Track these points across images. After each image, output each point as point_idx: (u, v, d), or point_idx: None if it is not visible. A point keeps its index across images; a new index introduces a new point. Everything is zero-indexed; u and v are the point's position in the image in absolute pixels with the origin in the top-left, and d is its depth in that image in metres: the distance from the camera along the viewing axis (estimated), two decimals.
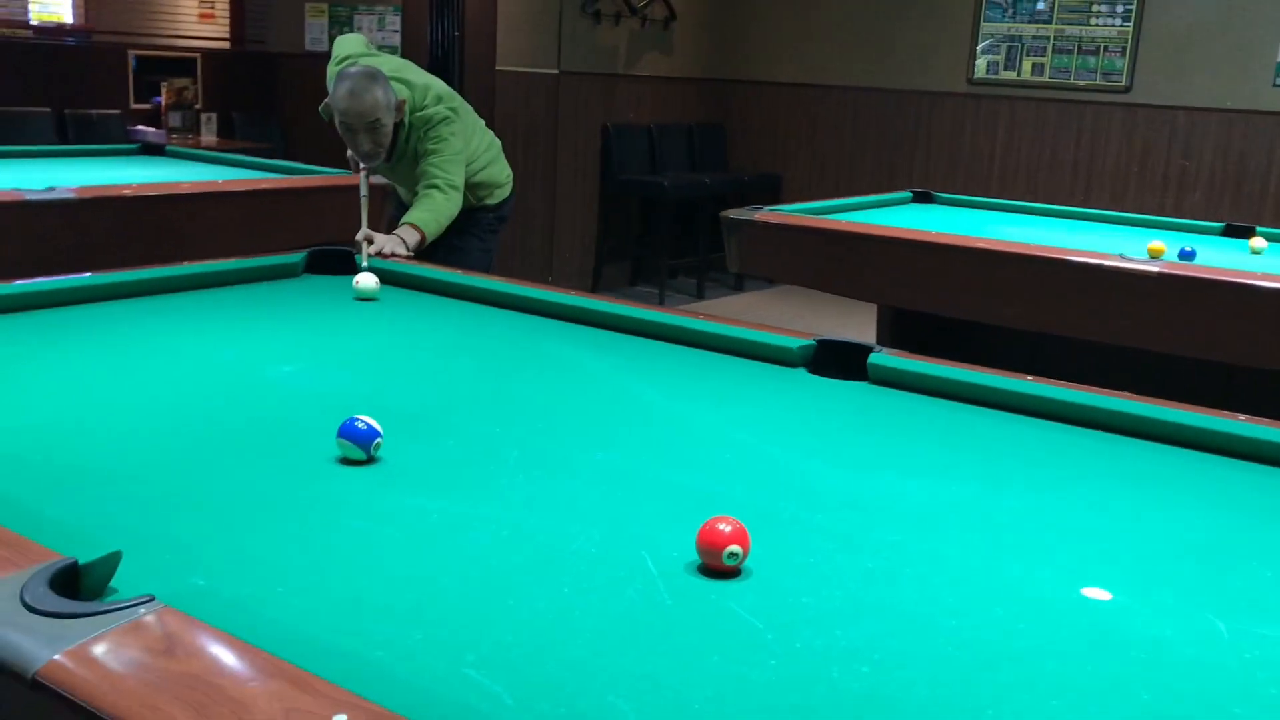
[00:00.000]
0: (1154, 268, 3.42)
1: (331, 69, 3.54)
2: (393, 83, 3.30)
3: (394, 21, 7.49)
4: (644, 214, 7.53)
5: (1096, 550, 1.40)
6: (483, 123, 3.78)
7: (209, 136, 7.44)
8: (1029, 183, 6.99)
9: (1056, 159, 6.93)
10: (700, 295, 7.40)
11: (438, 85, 3.52)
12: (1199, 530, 1.49)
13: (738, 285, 7.69)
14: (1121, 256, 3.51)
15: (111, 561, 1.10)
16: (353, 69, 3.27)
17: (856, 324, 5.04)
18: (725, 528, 1.26)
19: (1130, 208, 6.34)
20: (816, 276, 4.27)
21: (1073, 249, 3.68)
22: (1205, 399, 1.96)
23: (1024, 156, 7.03)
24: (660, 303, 7.09)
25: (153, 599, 1.01)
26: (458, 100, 3.55)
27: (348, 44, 3.66)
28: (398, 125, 3.37)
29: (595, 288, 7.29)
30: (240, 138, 7.58)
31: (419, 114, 3.41)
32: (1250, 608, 1.25)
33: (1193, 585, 1.31)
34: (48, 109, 6.88)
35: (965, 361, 2.12)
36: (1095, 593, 1.28)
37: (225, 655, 0.93)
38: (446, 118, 3.43)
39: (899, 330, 4.62)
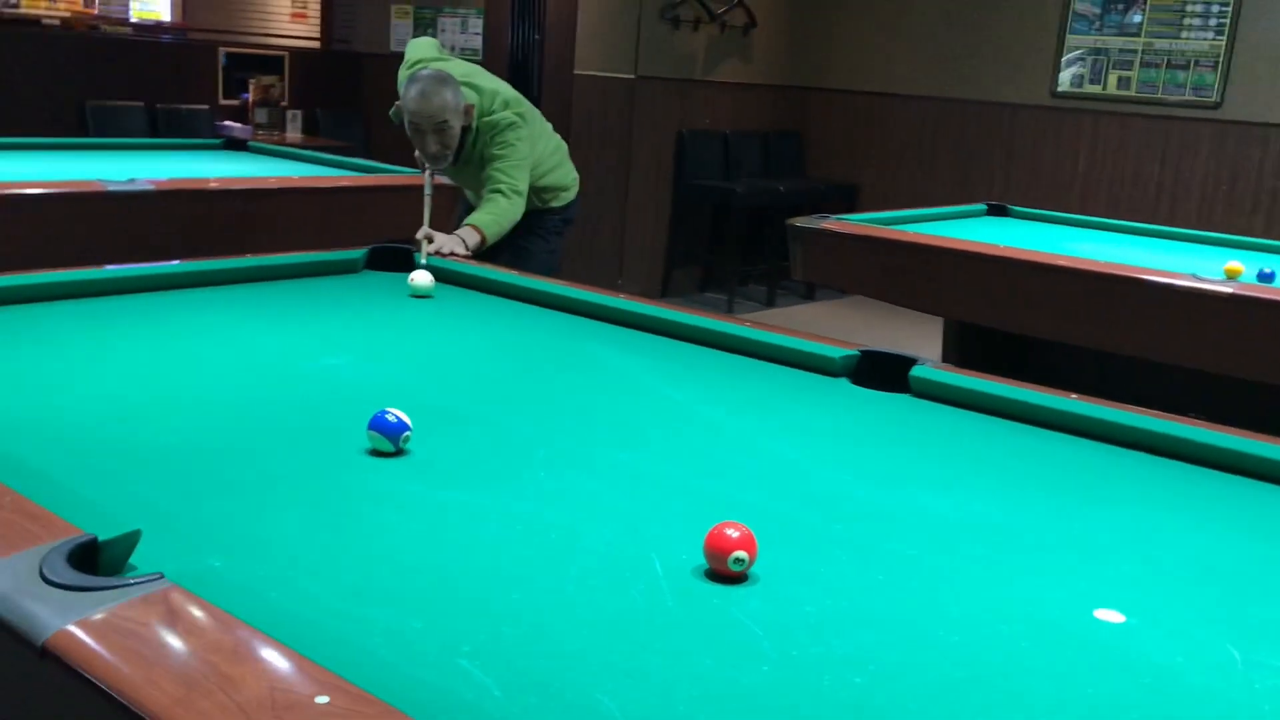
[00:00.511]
0: (1226, 288, 3.33)
1: (403, 72, 3.61)
2: (462, 87, 3.36)
3: (476, 24, 7.60)
4: (716, 220, 7.53)
5: (1117, 572, 1.38)
6: (549, 126, 3.82)
7: (294, 133, 7.62)
8: (1111, 199, 6.84)
9: (1140, 176, 6.77)
10: (770, 303, 7.37)
11: (506, 90, 3.57)
12: (1227, 556, 1.45)
13: (808, 294, 7.65)
14: (1194, 276, 3.42)
15: (130, 539, 1.15)
16: (424, 72, 3.33)
17: (926, 336, 4.98)
18: (732, 533, 1.26)
19: (1218, 228, 6.15)
20: (880, 287, 4.24)
21: (1144, 267, 3.60)
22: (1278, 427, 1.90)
23: (1106, 172, 6.88)
24: (729, 310, 7.08)
25: (161, 576, 1.05)
26: (525, 105, 3.60)
27: (420, 48, 3.73)
28: (465, 129, 3.42)
29: (664, 293, 7.31)
30: (324, 135, 7.75)
31: (486, 119, 3.46)
32: (1270, 638, 1.22)
33: (1213, 612, 1.29)
34: (141, 103, 7.10)
35: (1029, 378, 2.09)
36: (1108, 615, 1.26)
37: (221, 634, 0.97)
38: (513, 123, 3.48)
39: (965, 344, 4.57)
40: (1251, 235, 5.87)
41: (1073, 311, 3.58)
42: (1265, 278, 3.72)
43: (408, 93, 3.28)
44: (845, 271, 4.29)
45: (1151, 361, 3.83)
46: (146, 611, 0.99)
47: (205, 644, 0.95)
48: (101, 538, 1.12)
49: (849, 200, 7.64)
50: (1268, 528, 1.56)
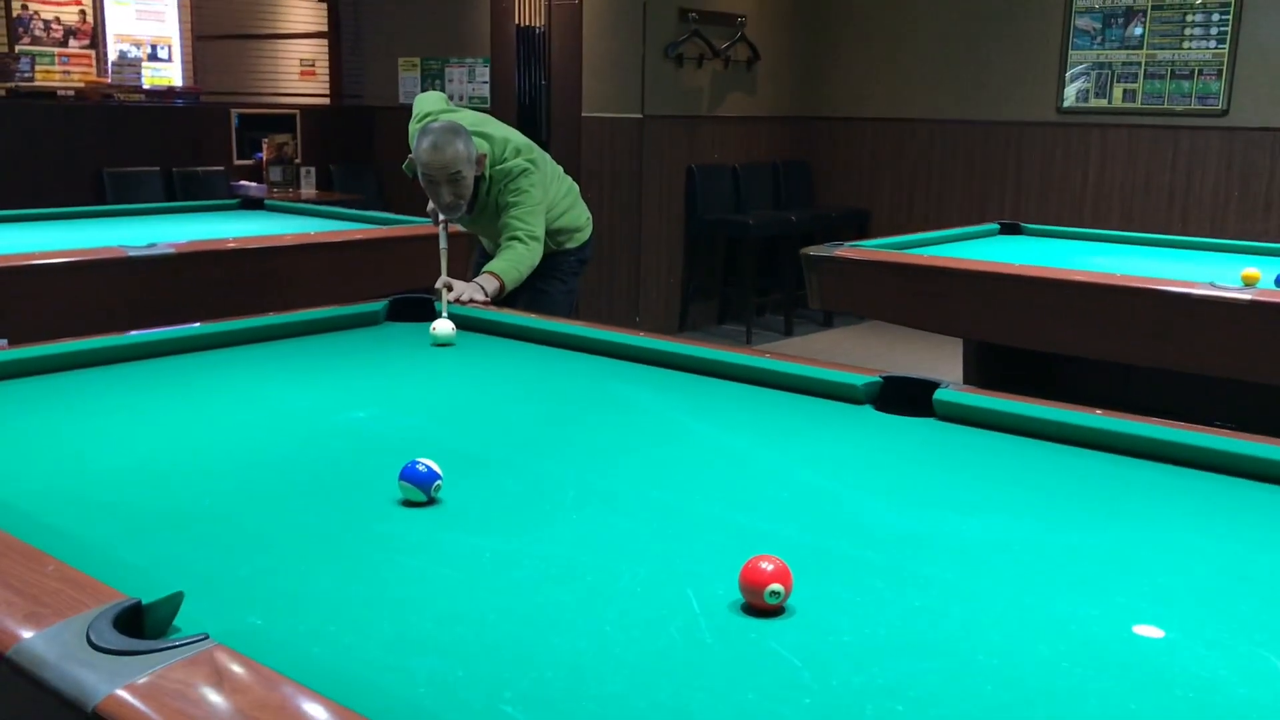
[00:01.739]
0: (1246, 295, 3.32)
1: (413, 126, 3.65)
2: (473, 137, 3.40)
3: (483, 73, 7.69)
4: (730, 253, 7.56)
5: (1154, 587, 1.37)
6: (560, 169, 3.86)
7: (308, 189, 7.70)
8: (1123, 211, 6.84)
9: (1151, 187, 6.77)
10: (789, 333, 7.38)
11: (516, 138, 3.61)
12: (1263, 564, 1.45)
13: (826, 322, 7.65)
14: (1212, 285, 3.42)
15: (174, 601, 1.16)
16: (435, 124, 3.38)
17: (946, 358, 4.98)
18: (768, 566, 1.27)
19: (1231, 234, 6.16)
20: (898, 311, 4.25)
21: (1160, 278, 3.59)
22: None
23: (1118, 185, 6.89)
24: (748, 341, 7.09)
25: (206, 637, 1.06)
26: (536, 151, 3.64)
27: (428, 101, 3.78)
28: (478, 179, 3.46)
29: (682, 328, 7.33)
30: (339, 189, 7.85)
31: (499, 167, 3.50)
32: None
33: (1253, 623, 1.28)
34: (157, 168, 7.20)
35: (1054, 396, 2.09)
36: (1147, 630, 1.26)
37: (267, 691, 0.98)
38: (526, 169, 3.52)
39: (985, 365, 4.56)
40: (1265, 240, 5.85)
41: (1091, 326, 3.58)
42: None
43: (420, 145, 3.32)
44: (862, 297, 4.30)
45: (1176, 372, 3.82)
46: (193, 672, 1.00)
47: (251, 701, 0.96)
48: (145, 601, 1.13)
49: (861, 227, 7.66)
50: None
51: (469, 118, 3.60)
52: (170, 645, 1.04)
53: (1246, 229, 6.35)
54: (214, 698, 0.97)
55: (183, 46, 9.46)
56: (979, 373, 4.53)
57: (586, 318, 7.27)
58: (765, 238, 7.30)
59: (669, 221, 7.24)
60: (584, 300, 7.29)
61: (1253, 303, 3.28)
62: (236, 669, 1.01)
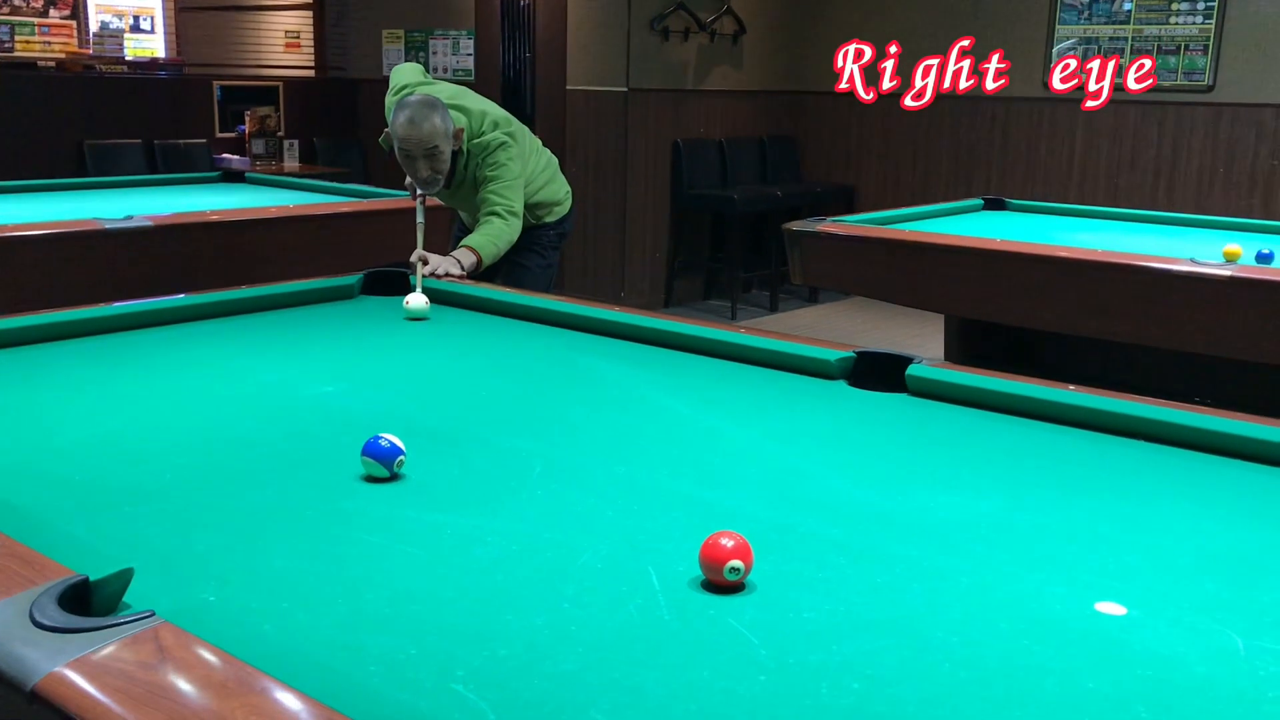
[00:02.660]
0: (1225, 271, 3.31)
1: (390, 99, 3.61)
2: (450, 110, 3.36)
3: (468, 45, 7.62)
4: (716, 228, 7.53)
5: (1120, 564, 1.37)
6: (539, 142, 3.83)
7: (291, 162, 7.64)
8: (1109, 187, 6.82)
9: (1137, 162, 6.76)
10: (774, 308, 7.36)
11: (494, 111, 3.57)
12: (1230, 542, 1.44)
13: (811, 297, 7.64)
14: (1192, 261, 3.41)
15: (123, 578, 1.14)
16: (411, 98, 3.34)
17: (931, 335, 4.97)
18: (728, 543, 1.25)
19: (1216, 210, 6.15)
20: (879, 287, 4.23)
21: (1141, 254, 3.58)
22: None
23: (1103, 160, 6.87)
24: (732, 317, 7.08)
25: (152, 614, 1.05)
26: (514, 124, 3.60)
27: (405, 73, 3.73)
28: (456, 153, 3.42)
29: (668, 303, 7.31)
30: (322, 163, 7.78)
31: (477, 141, 3.46)
32: (1273, 623, 1.21)
33: (1216, 599, 1.27)
34: (138, 140, 7.13)
35: (1038, 373, 2.08)
36: (1109, 607, 1.25)
37: (211, 670, 0.96)
38: (504, 143, 3.48)
39: (968, 340, 4.56)
40: (1250, 216, 5.85)
41: (1071, 302, 3.57)
42: (1264, 258, 3.71)
43: (396, 120, 3.28)
44: (844, 273, 4.28)
45: (1158, 350, 3.81)
46: (137, 650, 0.98)
47: (195, 680, 0.95)
48: (93, 578, 1.12)
49: (847, 202, 7.63)
50: (1271, 511, 1.55)
51: (446, 90, 3.56)
52: (115, 623, 1.02)
53: (1232, 205, 6.35)
54: (157, 676, 0.95)
55: (165, 18, 9.35)
56: (960, 349, 4.52)
57: (571, 293, 7.25)
58: (751, 213, 7.27)
59: (654, 197, 7.21)
60: (569, 276, 7.27)
61: (1232, 279, 3.27)
62: (182, 647, 1.00)
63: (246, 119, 7.62)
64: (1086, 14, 6.75)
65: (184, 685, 0.94)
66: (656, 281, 7.32)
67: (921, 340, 5.79)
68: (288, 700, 0.92)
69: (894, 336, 6.30)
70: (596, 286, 7.10)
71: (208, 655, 0.99)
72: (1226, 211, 6.05)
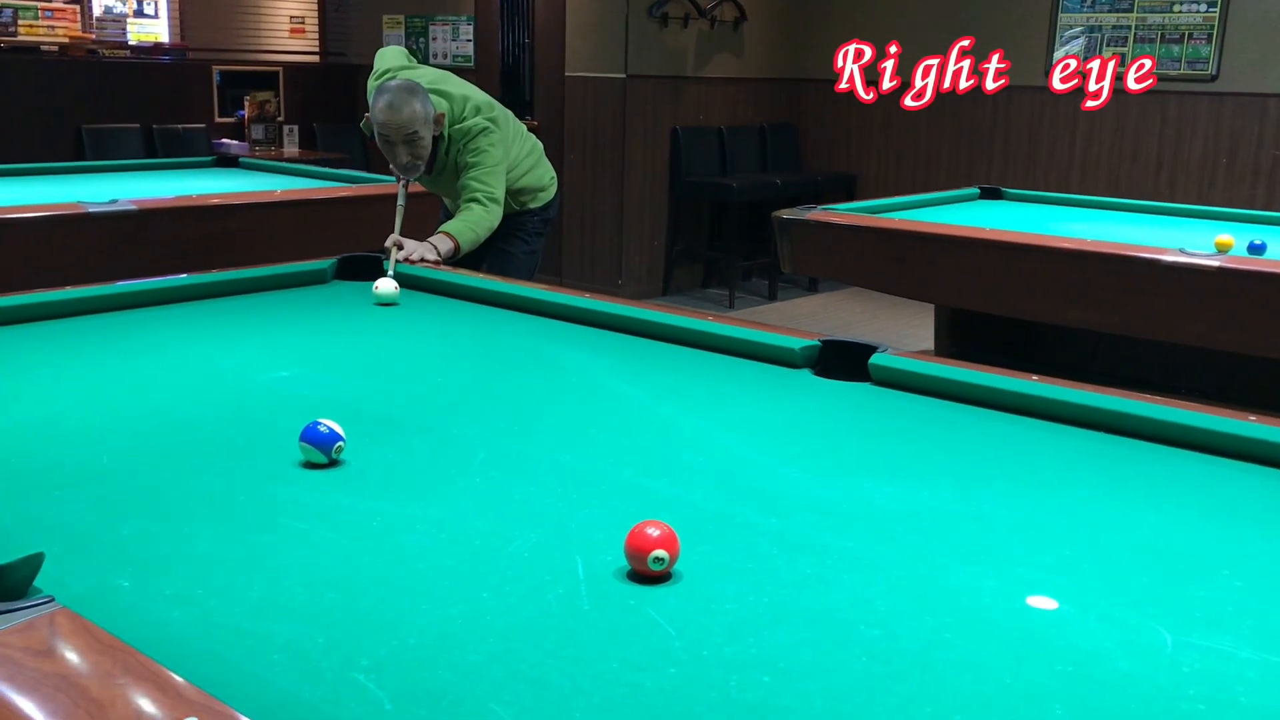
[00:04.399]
0: (1214, 262, 3.27)
1: (372, 83, 3.58)
2: (431, 96, 3.33)
3: (467, 31, 7.60)
4: (714, 217, 7.49)
5: (1059, 557, 1.34)
6: (523, 127, 3.80)
7: (291, 148, 7.63)
8: (1110, 177, 6.76)
9: (1139, 152, 6.69)
10: (773, 297, 7.33)
11: (476, 96, 3.54)
12: (1175, 535, 1.42)
13: (810, 286, 7.60)
14: (1181, 251, 3.37)
15: (32, 563, 1.13)
16: (391, 82, 3.31)
17: (929, 325, 4.92)
18: (653, 532, 1.23)
19: (1219, 201, 6.09)
20: (869, 276, 4.20)
21: (1129, 244, 3.54)
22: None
23: (1105, 151, 6.80)
24: (730, 306, 7.05)
25: (51, 600, 1.03)
26: (497, 109, 3.57)
27: (387, 57, 3.70)
28: (437, 138, 3.40)
29: (666, 291, 7.28)
30: (322, 148, 7.77)
31: (458, 126, 3.44)
32: (1205, 620, 1.19)
33: (1152, 595, 1.25)
34: (136, 124, 7.13)
35: (1030, 364, 2.05)
36: (1040, 601, 1.23)
37: (99, 657, 0.94)
38: (485, 129, 3.45)
39: (957, 330, 4.52)
40: (1253, 207, 5.78)
41: (1060, 292, 3.53)
42: (1255, 249, 3.66)
43: (376, 104, 3.26)
44: (834, 262, 4.25)
45: (1150, 341, 3.77)
46: (28, 637, 0.97)
47: (81, 669, 0.93)
48: (2, 562, 1.10)
49: (848, 191, 7.58)
50: (1219, 504, 1.52)
51: (428, 75, 3.53)
52: (11, 609, 1.01)
53: (1234, 196, 6.28)
54: (43, 664, 0.93)
55: (169, 2, 9.33)
56: (950, 340, 4.49)
57: (568, 281, 7.22)
58: (751, 201, 7.22)
59: (653, 184, 7.17)
60: (566, 264, 7.25)
61: (1220, 269, 3.23)
62: (74, 634, 0.98)
63: (246, 104, 7.60)
64: (1090, 2, 6.68)
65: (67, 673, 0.92)
66: (655, 269, 7.29)
67: (920, 330, 5.74)
68: (168, 687, 0.90)
69: (894, 326, 6.26)
70: (594, 275, 7.07)
71: (99, 642, 0.97)
72: (1229, 202, 5.99)
